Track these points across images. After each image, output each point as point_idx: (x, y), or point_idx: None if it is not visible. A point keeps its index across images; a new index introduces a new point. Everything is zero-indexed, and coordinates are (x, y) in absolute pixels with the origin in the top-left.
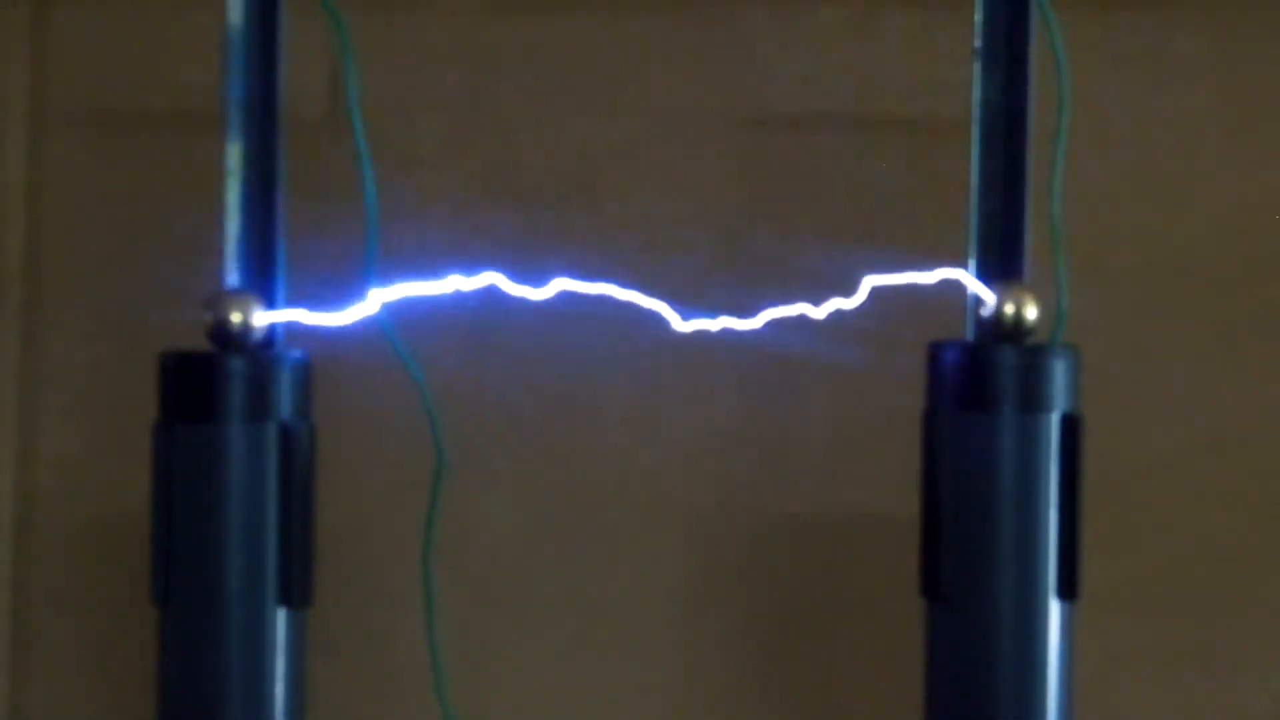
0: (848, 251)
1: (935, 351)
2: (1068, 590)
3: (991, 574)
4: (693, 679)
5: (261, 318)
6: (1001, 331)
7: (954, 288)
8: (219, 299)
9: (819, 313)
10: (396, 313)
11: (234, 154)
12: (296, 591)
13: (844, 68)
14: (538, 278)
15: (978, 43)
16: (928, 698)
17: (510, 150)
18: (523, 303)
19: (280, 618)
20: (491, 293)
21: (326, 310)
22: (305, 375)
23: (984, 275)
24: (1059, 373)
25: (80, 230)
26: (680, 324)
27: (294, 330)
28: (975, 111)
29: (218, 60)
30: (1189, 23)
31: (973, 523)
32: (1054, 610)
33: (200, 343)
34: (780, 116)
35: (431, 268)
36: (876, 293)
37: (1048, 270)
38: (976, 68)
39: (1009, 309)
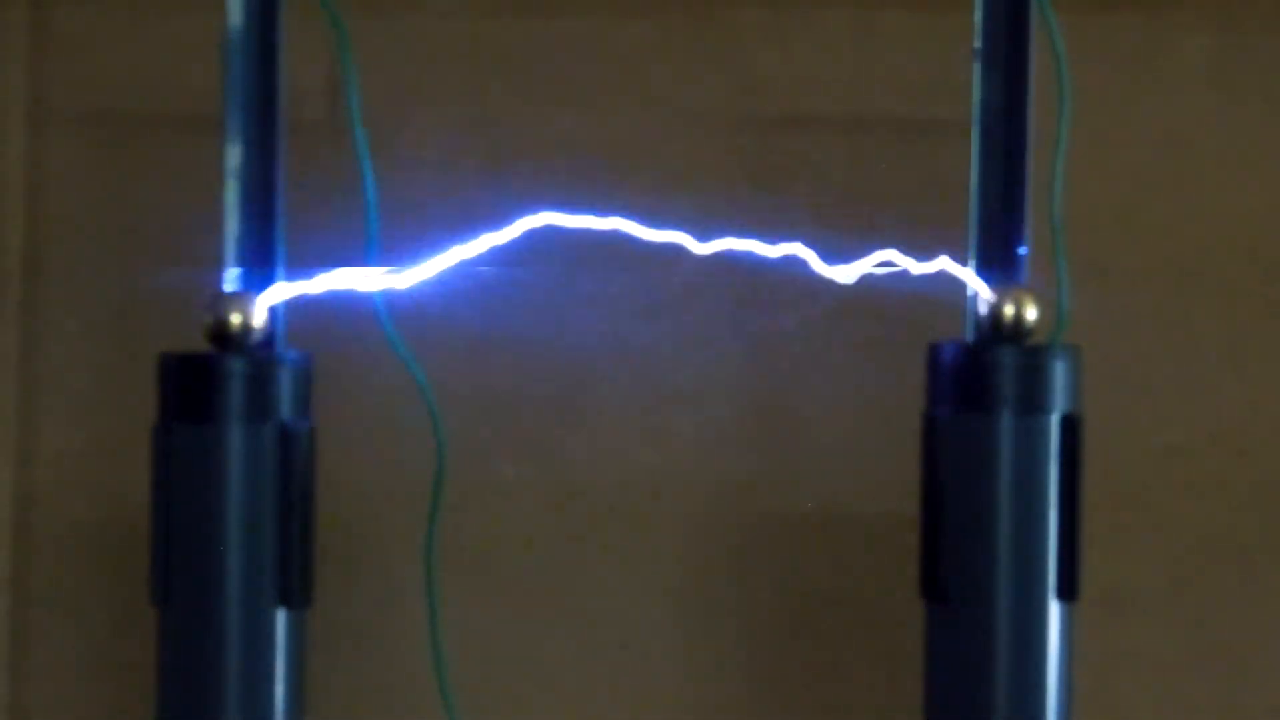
0: (846, 251)
1: (935, 352)
2: (1068, 591)
3: (991, 574)
4: (693, 679)
5: (262, 307)
6: (1001, 332)
7: (954, 290)
8: (219, 299)
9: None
10: (396, 311)
11: (234, 154)
12: (296, 591)
13: (843, 68)
14: (537, 278)
15: (978, 43)
16: (928, 698)
17: (510, 150)
18: (525, 301)
19: (280, 618)
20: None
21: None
22: (305, 375)
23: (984, 275)
24: (1059, 373)
25: (80, 230)
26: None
27: (294, 331)
28: (975, 111)
29: (218, 60)
30: (1189, 23)
31: (973, 523)
32: (1054, 610)
33: (200, 343)
34: (780, 117)
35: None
36: (876, 292)
37: (1048, 270)
38: (976, 68)
39: (1009, 309)
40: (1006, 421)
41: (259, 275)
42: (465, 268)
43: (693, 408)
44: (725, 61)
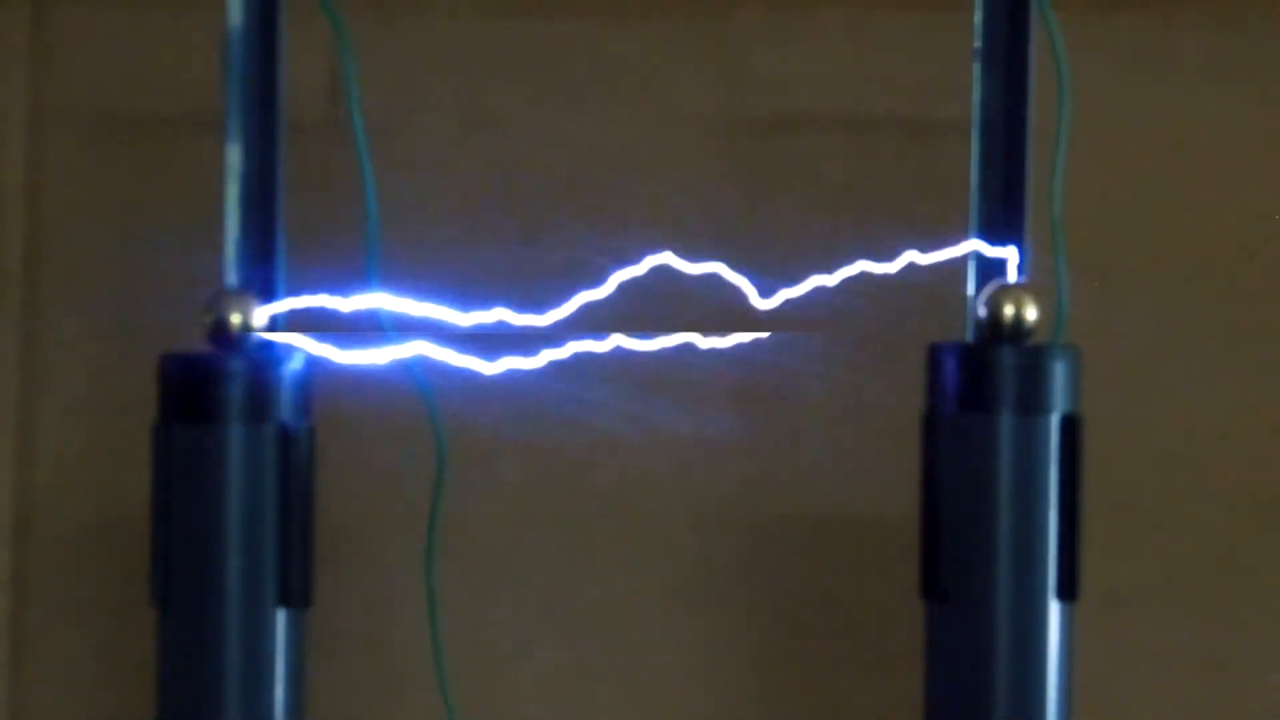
0: (846, 251)
1: (935, 352)
2: (1067, 590)
3: (991, 574)
4: (692, 679)
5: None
6: (1001, 332)
7: (954, 289)
8: (219, 299)
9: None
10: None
11: (234, 154)
12: (296, 592)
13: (843, 68)
14: (536, 279)
15: (978, 43)
16: (928, 698)
17: (510, 151)
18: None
19: (280, 618)
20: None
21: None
22: (305, 376)
23: (984, 276)
24: (1059, 373)
25: (80, 230)
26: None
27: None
28: (975, 111)
29: (218, 60)
30: (1189, 23)
31: (973, 523)
32: (1054, 610)
33: (200, 343)
34: (780, 117)
35: (431, 268)
36: (877, 293)
37: (1048, 270)
38: (976, 68)
39: (1009, 309)
40: (1006, 421)
41: (259, 275)
42: (467, 269)
43: (693, 409)
44: (725, 62)
